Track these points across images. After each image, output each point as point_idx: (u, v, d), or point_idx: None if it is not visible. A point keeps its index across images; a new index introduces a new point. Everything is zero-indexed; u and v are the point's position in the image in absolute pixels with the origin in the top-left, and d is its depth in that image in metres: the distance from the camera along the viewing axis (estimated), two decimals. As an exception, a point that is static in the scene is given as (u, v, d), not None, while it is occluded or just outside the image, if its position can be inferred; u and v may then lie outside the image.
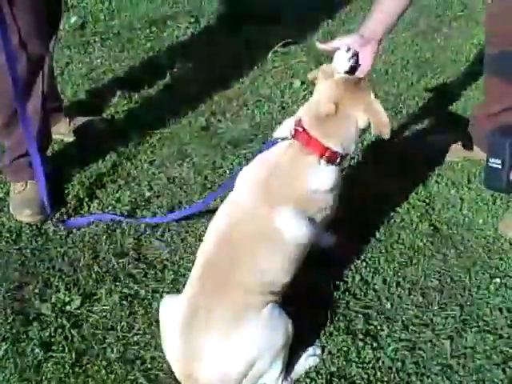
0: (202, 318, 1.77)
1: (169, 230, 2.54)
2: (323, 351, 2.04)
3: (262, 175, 1.92)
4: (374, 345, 2.07)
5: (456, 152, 2.95)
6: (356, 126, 1.92)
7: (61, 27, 3.35)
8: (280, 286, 1.89)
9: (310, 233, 1.90)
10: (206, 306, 1.78)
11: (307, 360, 1.99)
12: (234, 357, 1.75)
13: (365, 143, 3.04)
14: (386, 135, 1.91)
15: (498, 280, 2.32)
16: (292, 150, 1.91)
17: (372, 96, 1.93)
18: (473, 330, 2.13)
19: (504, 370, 1.99)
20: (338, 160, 1.93)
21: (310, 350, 2.02)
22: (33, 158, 2.51)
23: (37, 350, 2.04)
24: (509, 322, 2.16)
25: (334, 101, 1.91)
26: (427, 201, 2.70)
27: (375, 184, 2.76)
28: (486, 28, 2.73)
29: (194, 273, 1.89)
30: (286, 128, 1.97)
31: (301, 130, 1.92)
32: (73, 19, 4.21)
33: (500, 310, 2.20)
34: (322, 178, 1.92)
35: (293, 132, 1.93)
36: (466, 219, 2.61)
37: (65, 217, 2.59)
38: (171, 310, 1.86)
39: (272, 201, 1.86)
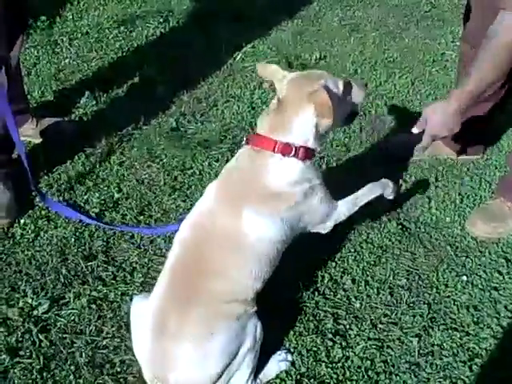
0: (174, 323, 1.75)
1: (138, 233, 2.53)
2: (293, 352, 2.05)
3: (224, 182, 1.93)
4: (343, 344, 2.09)
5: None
6: (305, 116, 1.88)
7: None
8: (253, 293, 1.86)
9: (279, 231, 1.87)
10: (177, 311, 1.76)
11: (278, 364, 1.99)
12: (206, 365, 1.74)
13: (333, 143, 3.07)
14: (329, 116, 1.86)
15: (464, 278, 2.35)
16: (246, 152, 1.93)
17: (316, 85, 1.88)
18: (440, 327, 2.16)
19: (470, 368, 2.03)
20: (294, 152, 1.88)
21: (282, 354, 2.02)
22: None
23: (3, 356, 2.01)
24: (475, 319, 2.19)
25: (277, 97, 1.93)
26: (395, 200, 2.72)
27: (343, 183, 2.76)
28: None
29: (162, 278, 1.86)
30: None
31: (252, 134, 1.95)
32: (41, 19, 4.15)
33: (467, 307, 2.24)
34: (281, 170, 1.88)
35: (245, 138, 1.96)
36: (434, 218, 2.65)
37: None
38: (142, 312, 1.84)
39: (236, 204, 1.85)
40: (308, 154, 1.92)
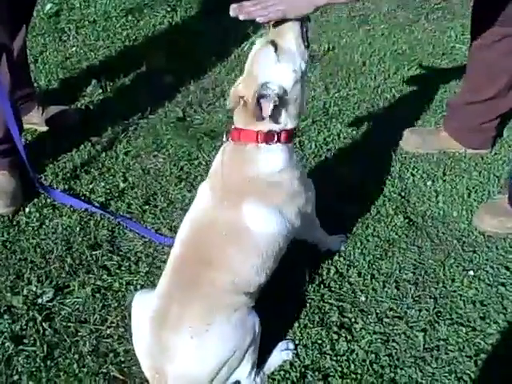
0: (174, 315, 1.74)
1: (143, 222, 2.52)
2: (298, 344, 2.04)
3: (216, 180, 1.91)
4: (349, 337, 2.07)
5: (431, 144, 2.95)
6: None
7: (35, 14, 3.30)
8: (255, 287, 1.85)
9: (280, 225, 1.86)
10: (177, 303, 1.75)
11: (281, 354, 1.99)
12: (204, 357, 1.73)
13: (340, 135, 3.05)
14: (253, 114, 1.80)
15: (471, 273, 2.33)
16: (229, 148, 1.91)
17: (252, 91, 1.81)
18: (446, 322, 2.14)
19: (476, 363, 2.01)
20: (277, 137, 1.86)
21: (284, 344, 2.02)
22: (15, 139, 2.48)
23: (7, 344, 2.01)
24: (481, 314, 2.17)
25: (237, 95, 1.87)
26: (403, 193, 2.71)
27: (351, 176, 2.76)
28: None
29: (165, 274, 1.86)
30: None
31: (232, 129, 1.92)
32: (48, 6, 4.14)
33: (473, 302, 2.22)
34: (271, 159, 1.87)
35: (225, 136, 1.94)
36: (441, 212, 2.63)
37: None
38: (143, 305, 1.84)
39: (234, 200, 1.84)
40: (290, 135, 1.91)
